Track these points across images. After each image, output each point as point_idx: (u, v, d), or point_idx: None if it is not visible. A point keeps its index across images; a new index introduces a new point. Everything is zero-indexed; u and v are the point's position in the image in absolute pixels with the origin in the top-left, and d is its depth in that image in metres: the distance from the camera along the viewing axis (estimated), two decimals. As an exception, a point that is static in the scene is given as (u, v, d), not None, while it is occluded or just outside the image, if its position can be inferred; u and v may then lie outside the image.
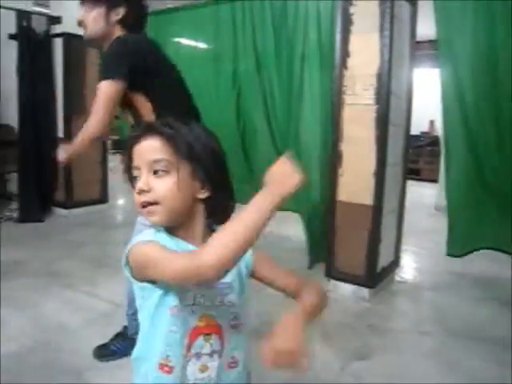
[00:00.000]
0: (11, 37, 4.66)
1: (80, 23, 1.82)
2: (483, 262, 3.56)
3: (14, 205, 4.75)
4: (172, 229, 0.90)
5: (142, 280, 0.86)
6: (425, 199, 6.28)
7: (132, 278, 0.88)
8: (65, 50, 4.73)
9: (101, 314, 2.60)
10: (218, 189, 0.89)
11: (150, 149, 0.86)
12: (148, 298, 0.87)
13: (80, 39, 4.56)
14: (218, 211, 0.92)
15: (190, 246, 0.88)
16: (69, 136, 4.81)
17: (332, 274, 3.19)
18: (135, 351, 0.92)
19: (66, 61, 4.75)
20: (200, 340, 0.87)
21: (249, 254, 0.96)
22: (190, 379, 0.87)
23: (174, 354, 0.86)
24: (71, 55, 4.77)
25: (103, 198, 5.26)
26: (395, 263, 3.48)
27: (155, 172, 0.85)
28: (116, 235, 4.22)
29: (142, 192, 0.86)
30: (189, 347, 0.86)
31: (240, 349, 0.95)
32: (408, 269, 3.72)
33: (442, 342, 2.57)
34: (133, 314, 2.05)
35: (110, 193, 5.35)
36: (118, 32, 1.83)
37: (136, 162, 0.88)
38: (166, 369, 0.85)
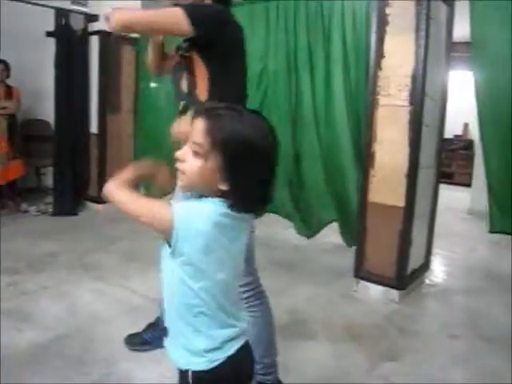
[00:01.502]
0: (48, 34, 4.78)
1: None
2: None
3: (49, 198, 4.88)
4: None
5: None
6: (457, 203, 6.16)
7: None
8: (101, 48, 4.84)
9: (133, 307, 2.66)
10: (236, 187, 0.96)
11: (196, 130, 0.98)
12: None
13: (116, 37, 4.73)
14: (234, 204, 0.98)
15: None
16: (103, 132, 4.94)
17: (361, 275, 3.17)
18: None
19: (101, 58, 4.86)
20: None
21: None
22: None
23: None
24: (107, 53, 4.87)
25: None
26: (426, 266, 3.44)
27: (194, 152, 0.98)
28: (149, 230, 4.27)
29: (177, 159, 1.01)
30: None
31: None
32: (439, 272, 3.66)
33: (472, 346, 2.53)
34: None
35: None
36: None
37: (189, 135, 1.01)
38: None
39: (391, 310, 2.92)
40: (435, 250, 3.65)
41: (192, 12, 1.58)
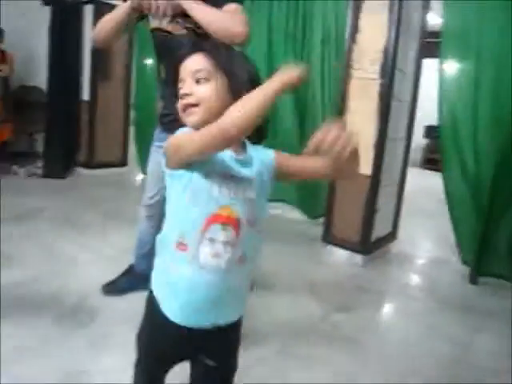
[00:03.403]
0: (45, 3, 4.89)
1: None
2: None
3: (40, 162, 5.03)
4: None
5: (174, 168, 0.98)
6: (437, 187, 6.34)
7: (166, 167, 1.00)
8: (94, 17, 4.95)
9: (108, 256, 2.83)
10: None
11: (194, 62, 1.00)
12: (174, 185, 1.00)
13: (109, 7, 4.84)
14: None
15: (228, 154, 0.98)
16: (94, 100, 5.08)
17: (329, 239, 3.36)
18: (160, 235, 1.06)
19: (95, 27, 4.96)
20: (217, 227, 0.96)
21: (270, 157, 1.04)
22: (202, 262, 0.96)
23: (189, 234, 0.97)
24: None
25: (123, 161, 5.53)
26: (392, 235, 3.63)
27: (197, 80, 0.99)
28: (130, 195, 4.46)
29: (185, 96, 0.99)
30: (204, 230, 0.96)
31: (251, 248, 1.02)
32: (407, 242, 3.82)
33: (425, 306, 2.72)
34: (144, 254, 2.27)
35: (130, 157, 5.62)
36: None
37: (182, 74, 1.02)
38: (182, 247, 0.97)
39: (354, 272, 3.11)
40: (407, 223, 3.84)
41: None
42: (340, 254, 3.29)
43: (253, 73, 1.03)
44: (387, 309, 2.64)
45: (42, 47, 4.88)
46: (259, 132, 1.03)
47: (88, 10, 4.99)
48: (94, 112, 5.13)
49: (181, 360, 1.13)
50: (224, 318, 1.04)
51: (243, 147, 1.02)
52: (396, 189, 3.54)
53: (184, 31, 1.87)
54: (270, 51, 4.13)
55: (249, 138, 1.03)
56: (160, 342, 1.09)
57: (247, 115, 0.85)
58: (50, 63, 4.83)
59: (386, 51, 3.00)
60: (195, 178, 0.96)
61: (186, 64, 1.02)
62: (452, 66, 3.10)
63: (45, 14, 4.77)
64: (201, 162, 0.95)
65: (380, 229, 3.36)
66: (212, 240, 0.97)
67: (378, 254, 3.37)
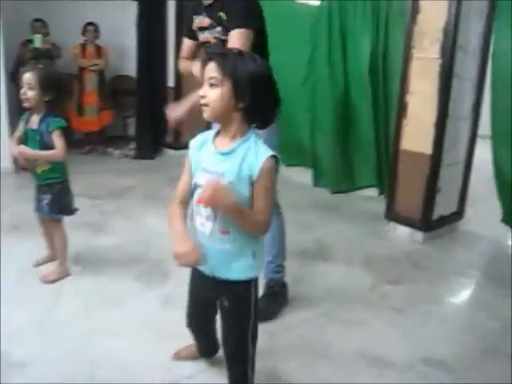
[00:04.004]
0: (134, -3, 5.36)
1: None
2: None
3: (132, 145, 5.58)
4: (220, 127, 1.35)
5: None
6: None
7: None
8: (177, 9, 5.35)
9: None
10: (252, 104, 1.25)
11: (209, 69, 1.27)
12: None
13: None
14: (252, 119, 1.31)
15: (212, 149, 1.36)
16: (179, 85, 5.52)
17: (391, 216, 3.48)
18: None
19: (178, 18, 5.36)
20: (200, 207, 1.37)
21: (259, 161, 1.29)
22: (197, 229, 1.41)
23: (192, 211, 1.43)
24: (184, 13, 5.35)
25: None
26: (458, 214, 3.64)
27: (211, 85, 1.26)
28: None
29: (201, 97, 1.29)
30: (195, 207, 1.41)
31: (232, 223, 1.32)
32: (474, 222, 3.77)
33: (479, 285, 2.79)
34: None
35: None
36: None
37: (204, 78, 1.29)
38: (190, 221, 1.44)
39: (413, 248, 3.21)
40: (479, 200, 3.85)
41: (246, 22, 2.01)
42: (402, 231, 3.40)
43: (257, 77, 1.26)
44: (437, 284, 2.72)
45: (130, 39, 5.37)
46: (264, 119, 1.35)
47: (171, 4, 5.38)
48: (179, 97, 5.54)
49: (212, 303, 1.51)
50: (220, 273, 1.40)
51: (240, 137, 1.32)
52: (461, 168, 3.54)
53: (215, 40, 2.17)
54: (342, 32, 4.22)
55: (256, 125, 1.35)
56: (194, 286, 1.55)
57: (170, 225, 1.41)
58: (139, 53, 5.31)
59: (446, 30, 3.02)
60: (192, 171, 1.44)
61: (204, 70, 1.29)
62: (506, 35, 3.05)
63: (133, 8, 5.23)
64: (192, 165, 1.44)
65: (444, 207, 3.41)
66: (199, 214, 1.37)
67: (441, 232, 3.43)
